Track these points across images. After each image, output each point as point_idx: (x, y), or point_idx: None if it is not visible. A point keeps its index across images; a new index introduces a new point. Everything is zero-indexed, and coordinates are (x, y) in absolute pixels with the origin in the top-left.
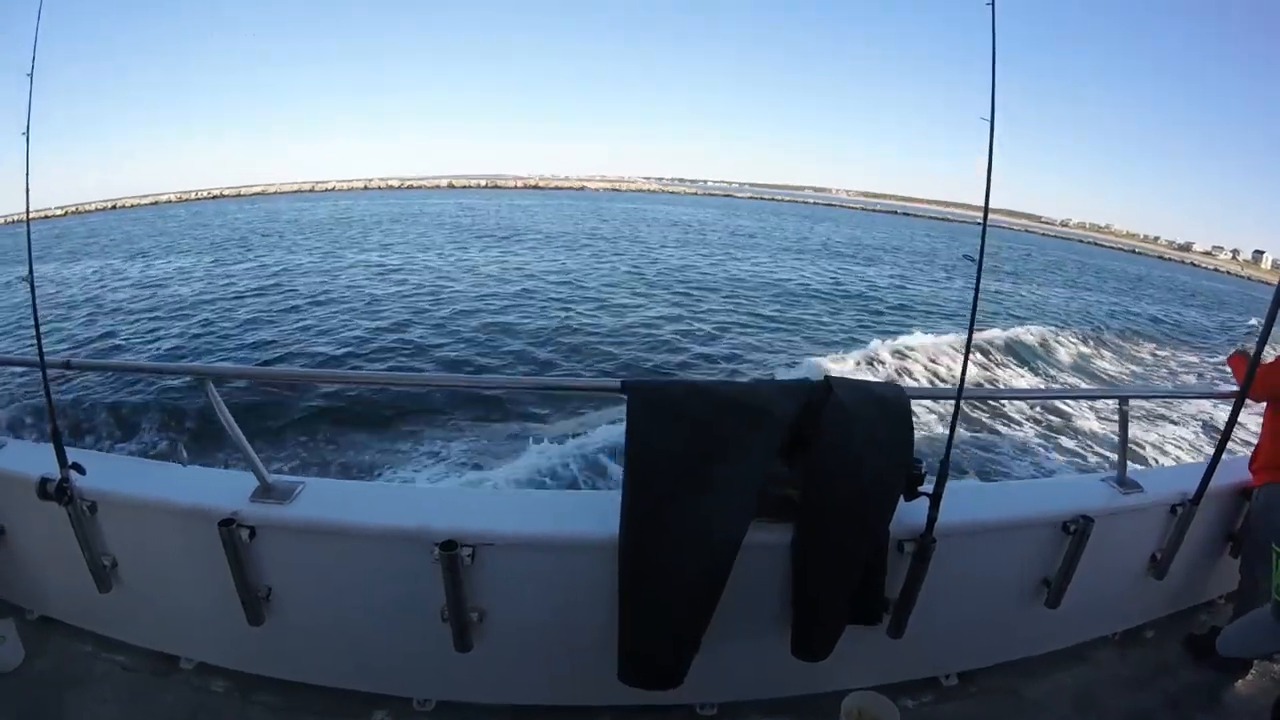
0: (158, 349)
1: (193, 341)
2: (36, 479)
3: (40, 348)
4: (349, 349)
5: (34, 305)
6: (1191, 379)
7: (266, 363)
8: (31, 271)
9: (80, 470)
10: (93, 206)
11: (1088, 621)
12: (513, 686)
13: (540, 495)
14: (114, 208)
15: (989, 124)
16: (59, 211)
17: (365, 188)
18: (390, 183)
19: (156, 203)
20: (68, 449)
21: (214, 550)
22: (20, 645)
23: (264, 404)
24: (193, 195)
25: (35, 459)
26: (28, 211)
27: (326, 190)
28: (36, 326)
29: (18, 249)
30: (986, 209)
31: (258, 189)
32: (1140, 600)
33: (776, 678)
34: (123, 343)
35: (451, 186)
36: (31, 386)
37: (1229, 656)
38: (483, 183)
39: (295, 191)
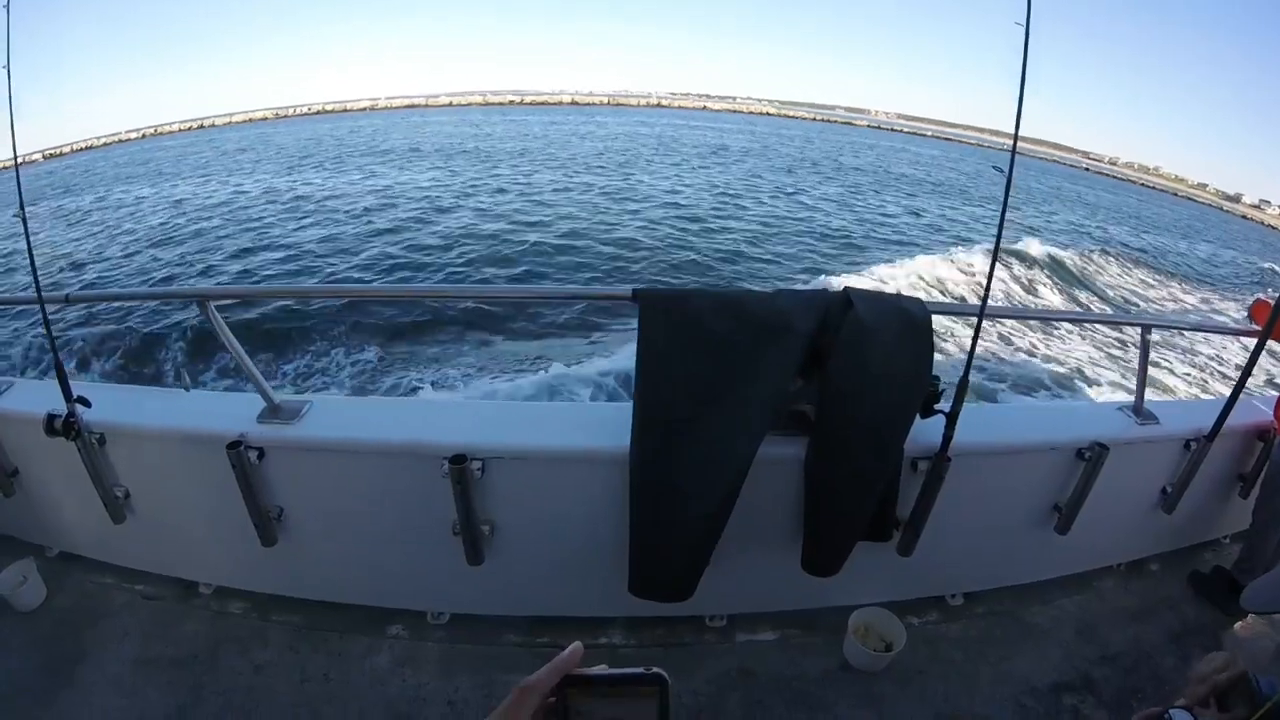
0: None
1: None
2: (43, 416)
3: (38, 284)
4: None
5: (28, 242)
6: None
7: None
8: (23, 208)
9: (86, 404)
10: (174, 128)
11: (1094, 550)
12: (525, 598)
13: (550, 408)
14: (200, 127)
15: (1024, 29)
16: (136, 135)
17: (484, 102)
18: (509, 98)
19: (250, 120)
20: (73, 383)
21: (224, 474)
22: (42, 583)
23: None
24: (290, 112)
25: (41, 396)
26: (14, 148)
27: (441, 106)
28: (33, 264)
29: (74, 180)
30: (1019, 119)
31: (365, 104)
32: (1148, 533)
33: (786, 592)
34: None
35: (575, 104)
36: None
37: (1254, 611)
38: (605, 100)
39: (408, 106)
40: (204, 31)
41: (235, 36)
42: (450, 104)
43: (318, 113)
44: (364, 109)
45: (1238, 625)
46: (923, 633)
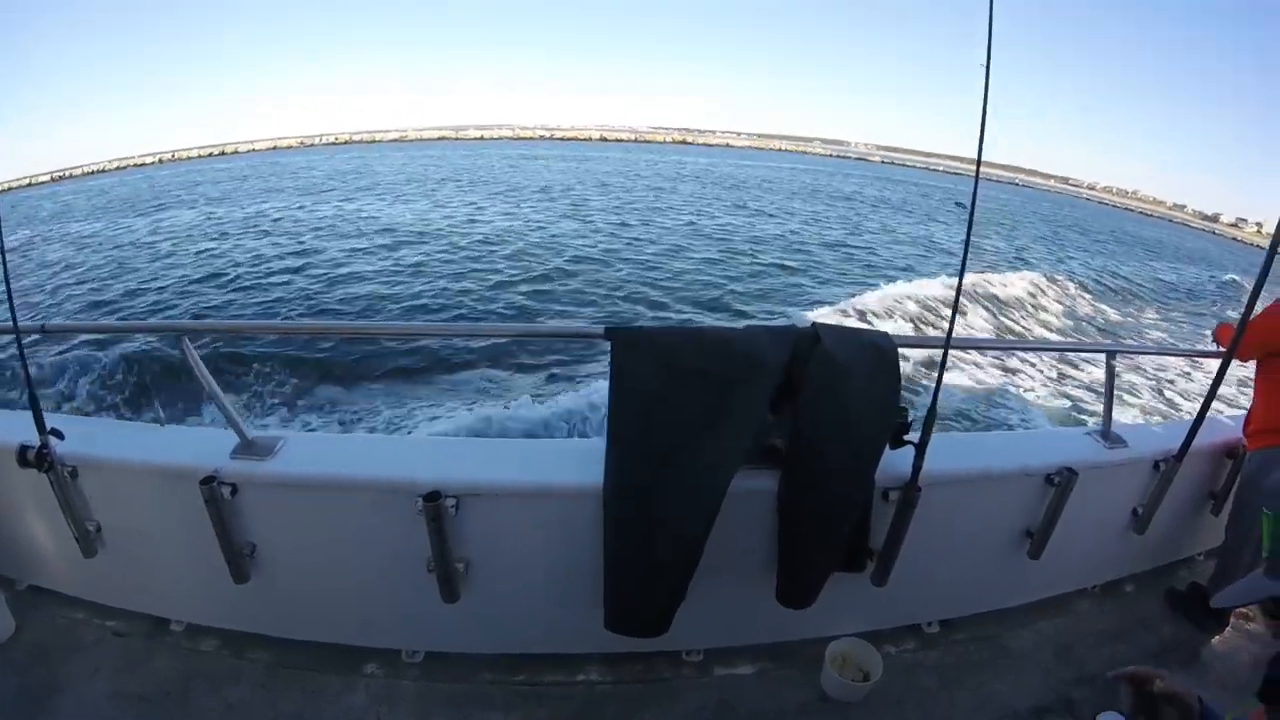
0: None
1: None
2: (15, 447)
3: (14, 313)
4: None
5: (4, 271)
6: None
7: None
8: (1, 237)
9: (59, 436)
10: (194, 153)
11: (1069, 573)
12: (501, 636)
13: (524, 444)
14: (223, 153)
15: (984, 69)
16: (153, 160)
17: (514, 136)
18: (538, 133)
19: (275, 147)
20: (46, 415)
21: (197, 509)
22: (11, 617)
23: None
24: (316, 141)
25: (14, 427)
26: None
27: (471, 140)
28: (9, 292)
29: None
30: (980, 155)
31: (394, 135)
32: (1121, 554)
33: (761, 624)
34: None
35: (603, 140)
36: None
37: (1225, 606)
38: (631, 136)
39: (440, 139)
40: (195, 54)
41: (221, 62)
42: (481, 138)
43: (345, 142)
44: (394, 140)
45: (1215, 640)
46: (900, 661)
